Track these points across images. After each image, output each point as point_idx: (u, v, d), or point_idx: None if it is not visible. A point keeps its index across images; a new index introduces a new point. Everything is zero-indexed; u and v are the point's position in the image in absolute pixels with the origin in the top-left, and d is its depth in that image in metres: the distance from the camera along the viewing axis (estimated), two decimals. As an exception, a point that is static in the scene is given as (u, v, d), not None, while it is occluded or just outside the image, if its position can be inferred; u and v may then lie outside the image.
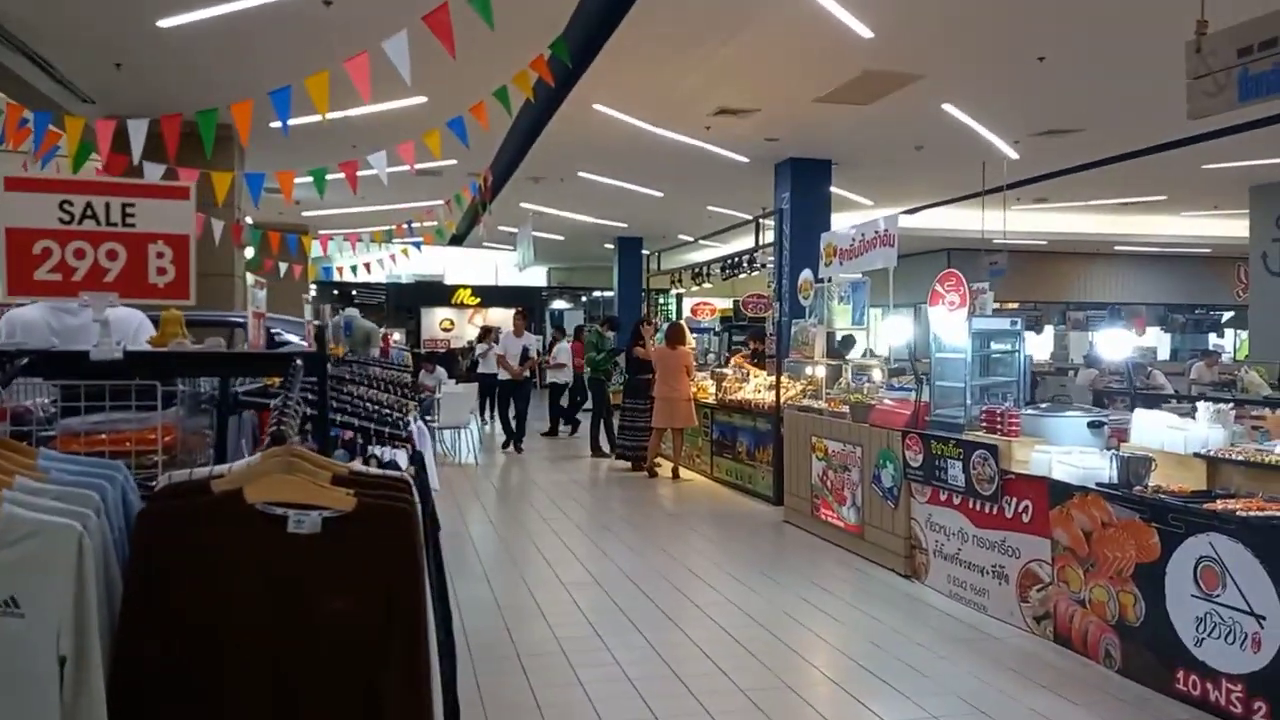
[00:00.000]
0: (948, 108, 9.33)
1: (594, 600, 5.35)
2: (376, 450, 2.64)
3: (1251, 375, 10.63)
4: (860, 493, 6.39)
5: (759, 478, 8.70)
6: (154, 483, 1.76)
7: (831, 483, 6.81)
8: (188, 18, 6.85)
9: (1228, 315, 21.32)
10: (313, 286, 23.14)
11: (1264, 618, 3.49)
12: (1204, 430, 4.40)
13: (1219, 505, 3.78)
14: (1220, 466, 4.22)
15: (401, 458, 2.65)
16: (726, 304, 26.64)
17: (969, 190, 13.40)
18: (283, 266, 10.43)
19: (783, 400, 8.30)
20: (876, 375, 7.49)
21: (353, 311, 10.31)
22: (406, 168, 7.28)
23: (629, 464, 10.42)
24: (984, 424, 5.27)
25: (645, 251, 16.52)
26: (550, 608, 5.19)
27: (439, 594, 2.50)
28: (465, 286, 26.60)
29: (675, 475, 9.79)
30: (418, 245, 13.01)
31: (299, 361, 2.05)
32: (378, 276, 24.69)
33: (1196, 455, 4.29)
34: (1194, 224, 17.37)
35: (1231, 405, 4.72)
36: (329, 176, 6.67)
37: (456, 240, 21.96)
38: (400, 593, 1.69)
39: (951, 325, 5.76)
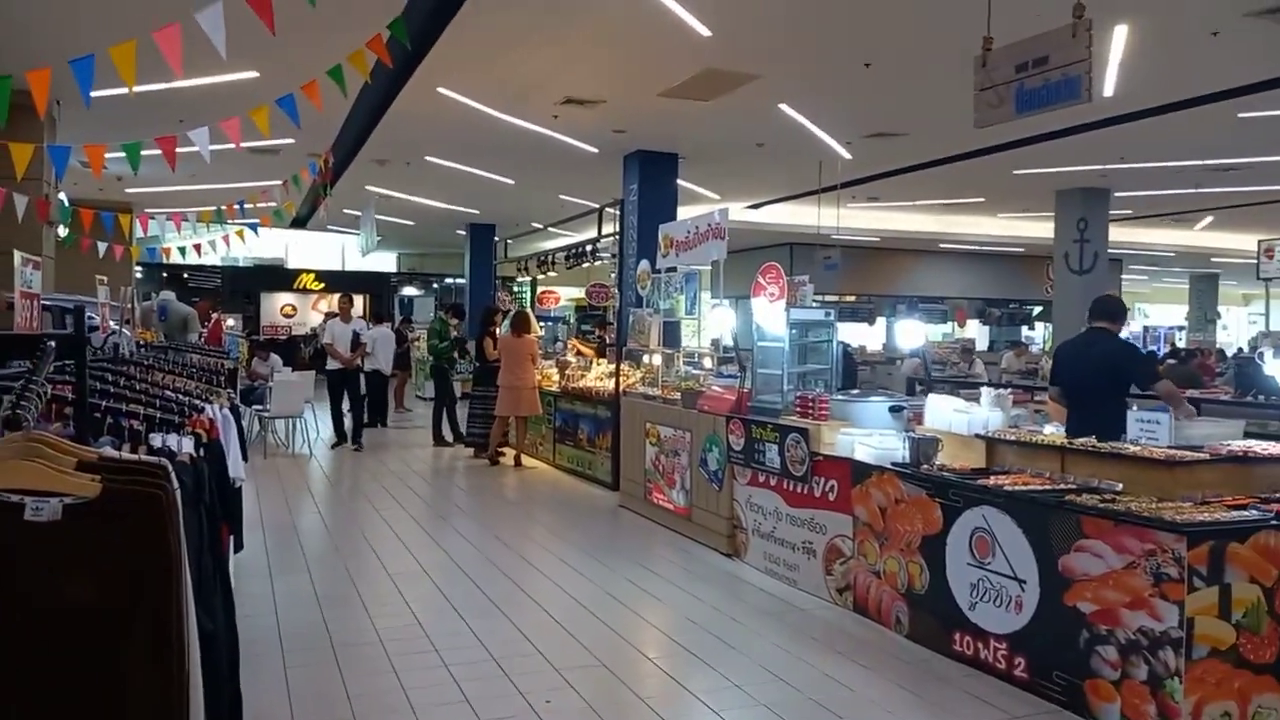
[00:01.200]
0: (784, 108, 9.71)
1: (420, 590, 5.32)
2: (157, 438, 2.56)
3: (1051, 364, 11.58)
4: (689, 476, 6.62)
5: (599, 464, 8.84)
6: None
7: (663, 467, 7.01)
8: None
9: (1038, 309, 23.15)
10: (138, 268, 21.76)
11: (1024, 581, 3.87)
12: (985, 413, 4.81)
13: (991, 481, 4.14)
14: (997, 446, 4.62)
15: (187, 445, 2.58)
16: (581, 293, 26.80)
17: (808, 188, 14.01)
18: (102, 246, 9.76)
19: (622, 388, 8.46)
20: (708, 363, 7.75)
21: (169, 295, 9.81)
22: (232, 145, 6.98)
23: (473, 452, 10.37)
24: (798, 409, 5.56)
25: (497, 239, 16.39)
26: (372, 598, 5.12)
27: (220, 583, 2.46)
28: (309, 271, 25.61)
29: (517, 463, 9.80)
30: (254, 227, 12.44)
31: (50, 344, 1.97)
32: (212, 259, 23.43)
33: (978, 436, 4.69)
34: (1008, 225, 18.76)
35: (1013, 391, 5.17)
36: (146, 152, 6.31)
37: (299, 223, 21.09)
38: (148, 579, 1.67)
39: (772, 315, 6.04)
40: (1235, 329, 31.51)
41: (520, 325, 9.72)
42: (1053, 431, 4.63)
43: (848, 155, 11.89)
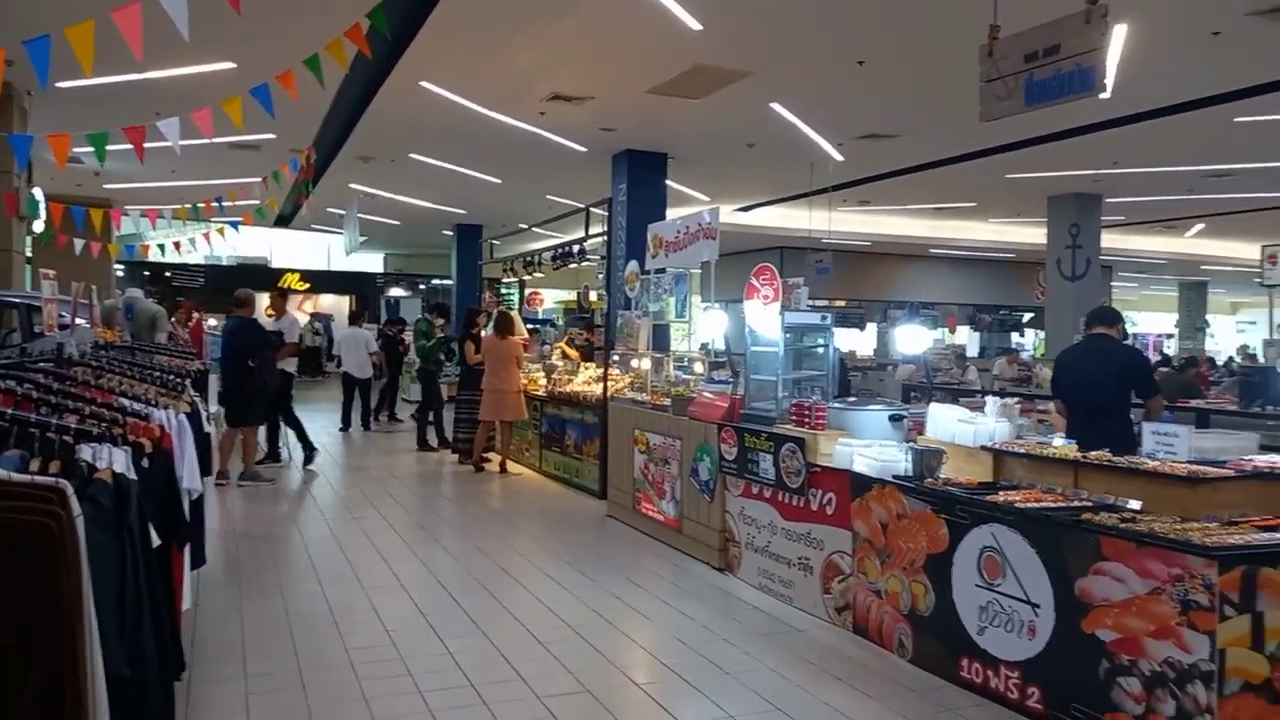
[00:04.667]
0: (776, 106, 9.50)
1: (396, 607, 5.04)
2: (87, 450, 2.28)
3: (1046, 371, 11.43)
4: (679, 486, 6.36)
5: (586, 471, 8.58)
6: None
7: (652, 476, 6.75)
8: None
9: (1028, 316, 23.06)
10: (119, 267, 21.36)
11: (1038, 606, 3.63)
12: (991, 424, 4.57)
13: (1000, 497, 3.91)
14: (1005, 459, 4.39)
15: (119, 458, 2.31)
16: (570, 295, 26.52)
17: (799, 190, 13.82)
18: (79, 243, 9.44)
19: (610, 393, 8.20)
20: (698, 368, 7.50)
21: (135, 292, 9.47)
22: (210, 139, 6.71)
23: (458, 458, 10.09)
24: (793, 417, 5.32)
25: (484, 239, 16.11)
26: (344, 616, 4.84)
27: (154, 615, 2.18)
28: (293, 270, 25.24)
29: (502, 470, 9.53)
30: (235, 225, 12.13)
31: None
32: (194, 258, 23.02)
33: (984, 448, 4.46)
34: (1000, 230, 18.65)
35: (1018, 400, 4.94)
36: (120, 146, 6.03)
37: (283, 221, 20.78)
38: (37, 623, 1.40)
39: (766, 319, 5.80)
40: (1223, 338, 31.60)
41: (504, 327, 9.46)
42: (1062, 443, 4.39)
43: (839, 157, 11.69)
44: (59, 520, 1.45)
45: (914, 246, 19.86)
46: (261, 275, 23.79)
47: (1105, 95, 4.13)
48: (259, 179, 10.66)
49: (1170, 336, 26.23)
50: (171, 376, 4.45)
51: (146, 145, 5.71)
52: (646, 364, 8.05)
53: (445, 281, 24.07)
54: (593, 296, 13.10)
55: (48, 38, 4.31)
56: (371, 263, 27.07)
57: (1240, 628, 2.99)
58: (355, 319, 14.06)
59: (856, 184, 13.37)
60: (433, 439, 11.11)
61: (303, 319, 25.78)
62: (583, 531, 7.06)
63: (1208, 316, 27.41)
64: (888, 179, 13.15)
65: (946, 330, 21.38)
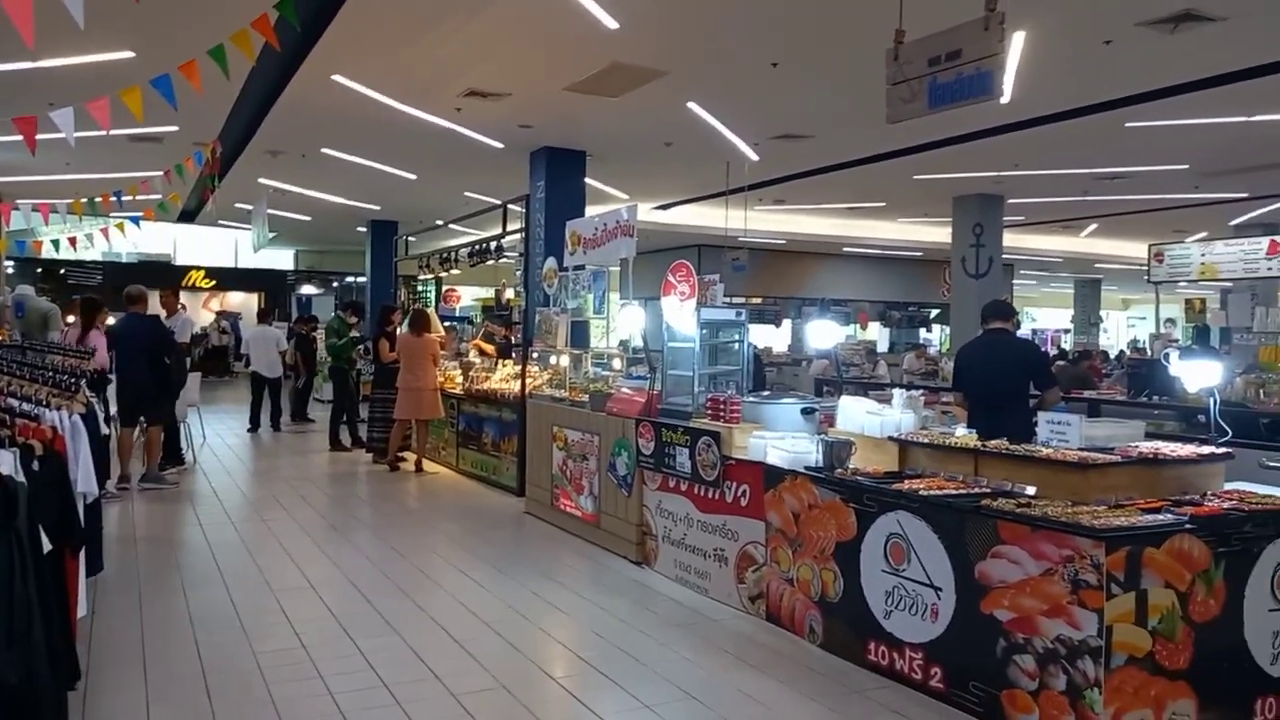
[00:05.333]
0: (693, 106, 9.58)
1: (306, 609, 4.93)
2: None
3: (951, 365, 11.86)
4: (597, 481, 6.38)
5: (504, 469, 8.53)
6: None
7: (571, 472, 6.76)
8: None
9: (935, 312, 23.90)
10: (9, 263, 20.29)
11: (941, 589, 3.77)
12: (898, 415, 4.72)
13: (906, 485, 4.04)
14: (910, 449, 4.54)
15: (7, 461, 2.21)
16: (487, 293, 26.26)
17: (716, 189, 13.97)
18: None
19: (528, 390, 8.17)
20: (617, 364, 7.53)
21: (26, 289, 9.05)
22: (106, 131, 6.43)
23: (372, 458, 9.91)
24: (709, 411, 5.39)
25: (399, 236, 15.84)
26: (252, 619, 4.71)
27: (46, 619, 2.10)
28: (198, 268, 24.37)
29: (418, 469, 9.39)
30: (136, 220, 11.65)
31: None
32: (92, 254, 22.01)
33: (890, 439, 4.60)
34: (908, 229, 19.23)
35: (923, 393, 5.12)
36: (4, 137, 5.74)
37: (187, 217, 20.04)
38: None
39: (682, 315, 5.86)
40: (1115, 332, 33.34)
41: (419, 324, 9.32)
42: (964, 433, 4.57)
43: (755, 157, 11.87)
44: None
45: (827, 245, 20.31)
46: (164, 272, 22.91)
47: (1004, 99, 4.31)
48: (161, 173, 10.27)
49: (1067, 331, 27.49)
50: (65, 377, 4.27)
51: (39, 137, 5.46)
52: (565, 361, 8.05)
53: (359, 279, 23.57)
54: (510, 293, 13.02)
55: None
56: (282, 259, 26.31)
57: (1126, 605, 3.16)
58: (265, 317, 13.67)
59: (772, 183, 13.59)
60: (346, 438, 10.88)
61: (208, 317, 24.95)
62: (500, 529, 7.02)
63: (1101, 312, 28.86)
64: (802, 179, 13.41)
65: (859, 326, 21.96)
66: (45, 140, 5.87)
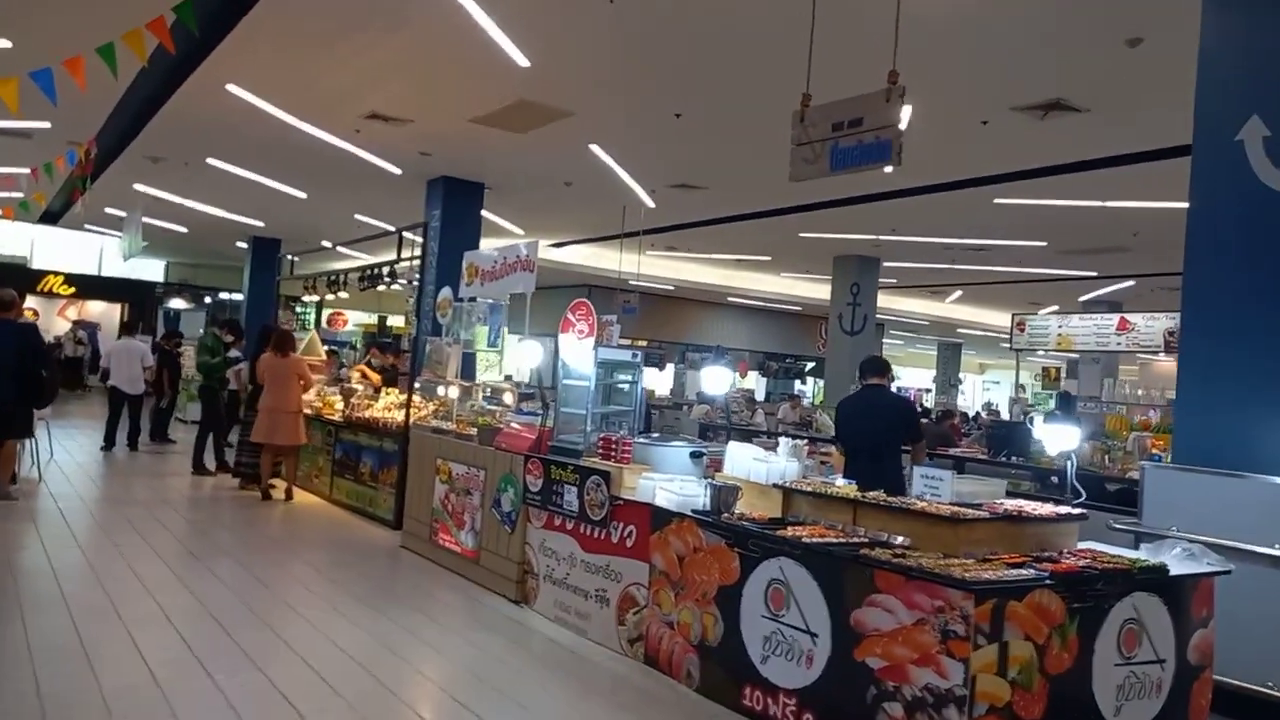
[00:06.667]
0: (595, 148, 9.73)
1: (159, 640, 4.63)
2: None
3: (824, 417, 12.31)
4: (480, 517, 6.28)
5: (380, 501, 8.28)
6: None
7: (453, 507, 6.62)
8: None
9: (810, 365, 24.86)
10: None
11: (817, 635, 3.87)
12: (783, 463, 4.86)
13: (789, 531, 4.15)
14: (794, 496, 4.67)
15: None
16: (372, 319, 25.59)
17: (611, 231, 14.17)
18: None
19: (413, 420, 7.99)
20: (508, 399, 7.48)
21: None
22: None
23: (240, 483, 9.43)
24: (601, 451, 5.41)
25: (285, 255, 15.30)
26: (99, 651, 4.39)
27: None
28: (57, 273, 22.86)
29: (288, 496, 9.00)
30: (-10, 217, 10.88)
31: None
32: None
33: (775, 485, 4.72)
34: (791, 284, 20.01)
35: (806, 442, 5.29)
36: None
37: (50, 218, 18.84)
38: None
39: (579, 353, 5.88)
40: (971, 394, 35.38)
41: (283, 345, 9.00)
42: (844, 483, 4.74)
43: (651, 203, 12.12)
44: None
45: (713, 293, 20.88)
46: (19, 275, 21.37)
47: (900, 166, 4.56)
48: (28, 170, 9.65)
49: (929, 391, 28.95)
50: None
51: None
52: (454, 392, 7.92)
53: (235, 296, 22.60)
54: (399, 321, 12.78)
55: None
56: (151, 270, 25.00)
57: (989, 655, 3.32)
58: (129, 329, 12.92)
59: (665, 230, 13.90)
60: (210, 462, 10.34)
61: (64, 325, 23.37)
62: (373, 562, 6.80)
63: (960, 374, 30.60)
64: (694, 228, 13.77)
65: (738, 374, 22.59)
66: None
